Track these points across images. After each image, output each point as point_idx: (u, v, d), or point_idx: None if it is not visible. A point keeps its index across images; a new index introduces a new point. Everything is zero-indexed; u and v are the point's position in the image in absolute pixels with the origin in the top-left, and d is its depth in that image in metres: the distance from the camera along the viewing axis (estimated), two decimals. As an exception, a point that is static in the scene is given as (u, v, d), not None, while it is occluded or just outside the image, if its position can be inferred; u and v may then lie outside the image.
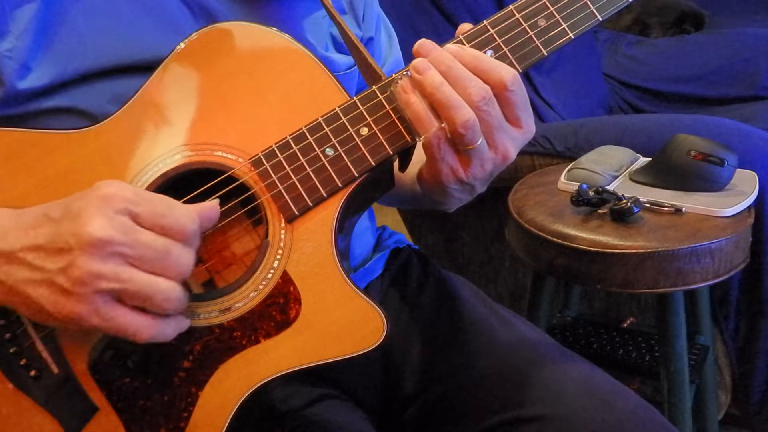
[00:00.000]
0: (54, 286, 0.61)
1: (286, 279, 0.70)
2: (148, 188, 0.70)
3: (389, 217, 1.98)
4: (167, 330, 0.64)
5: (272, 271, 0.70)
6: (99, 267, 0.59)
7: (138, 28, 0.78)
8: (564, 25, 0.73)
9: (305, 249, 0.71)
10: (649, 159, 1.32)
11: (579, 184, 1.22)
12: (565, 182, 1.31)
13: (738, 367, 1.53)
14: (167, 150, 0.71)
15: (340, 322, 0.70)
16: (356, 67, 0.86)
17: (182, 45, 0.73)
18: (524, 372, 0.84)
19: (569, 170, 1.32)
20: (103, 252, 0.59)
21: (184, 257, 0.63)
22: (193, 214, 0.64)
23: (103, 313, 0.61)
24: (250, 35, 0.74)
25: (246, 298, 0.70)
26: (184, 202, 0.66)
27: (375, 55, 0.99)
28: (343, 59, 0.89)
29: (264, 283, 0.70)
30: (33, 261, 0.61)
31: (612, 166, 1.31)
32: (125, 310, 0.61)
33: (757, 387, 1.51)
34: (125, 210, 0.61)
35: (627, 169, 1.33)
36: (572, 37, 0.73)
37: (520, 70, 0.73)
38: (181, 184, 0.70)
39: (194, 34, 0.73)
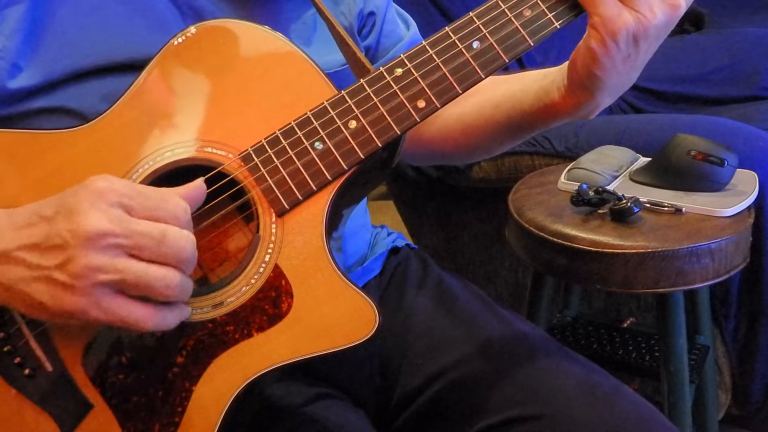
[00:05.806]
0: (53, 281, 0.61)
1: (277, 273, 0.70)
2: None
3: (388, 217, 1.98)
4: (168, 318, 0.64)
5: (264, 265, 0.70)
6: (96, 260, 0.60)
7: (126, 27, 0.78)
8: (549, 15, 0.73)
9: (296, 243, 0.71)
10: (649, 159, 1.32)
11: (579, 184, 1.22)
12: (565, 182, 1.30)
13: (738, 367, 1.52)
14: (158, 147, 0.72)
15: (333, 314, 0.70)
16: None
17: (179, 39, 0.73)
18: (524, 371, 0.84)
19: (569, 170, 1.32)
20: (100, 245, 0.60)
21: (182, 240, 0.63)
22: (184, 203, 0.65)
23: (104, 305, 0.61)
24: (240, 32, 0.74)
25: (238, 293, 0.70)
26: None
27: (383, 30, 0.99)
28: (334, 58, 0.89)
29: (256, 277, 0.70)
30: (30, 259, 0.62)
31: (612, 166, 1.31)
32: (126, 301, 0.62)
33: (757, 387, 1.51)
34: (118, 203, 0.62)
35: (627, 169, 1.33)
36: (558, 26, 0.73)
37: (507, 61, 0.72)
38: (172, 180, 0.70)
39: (192, 27, 0.73)
